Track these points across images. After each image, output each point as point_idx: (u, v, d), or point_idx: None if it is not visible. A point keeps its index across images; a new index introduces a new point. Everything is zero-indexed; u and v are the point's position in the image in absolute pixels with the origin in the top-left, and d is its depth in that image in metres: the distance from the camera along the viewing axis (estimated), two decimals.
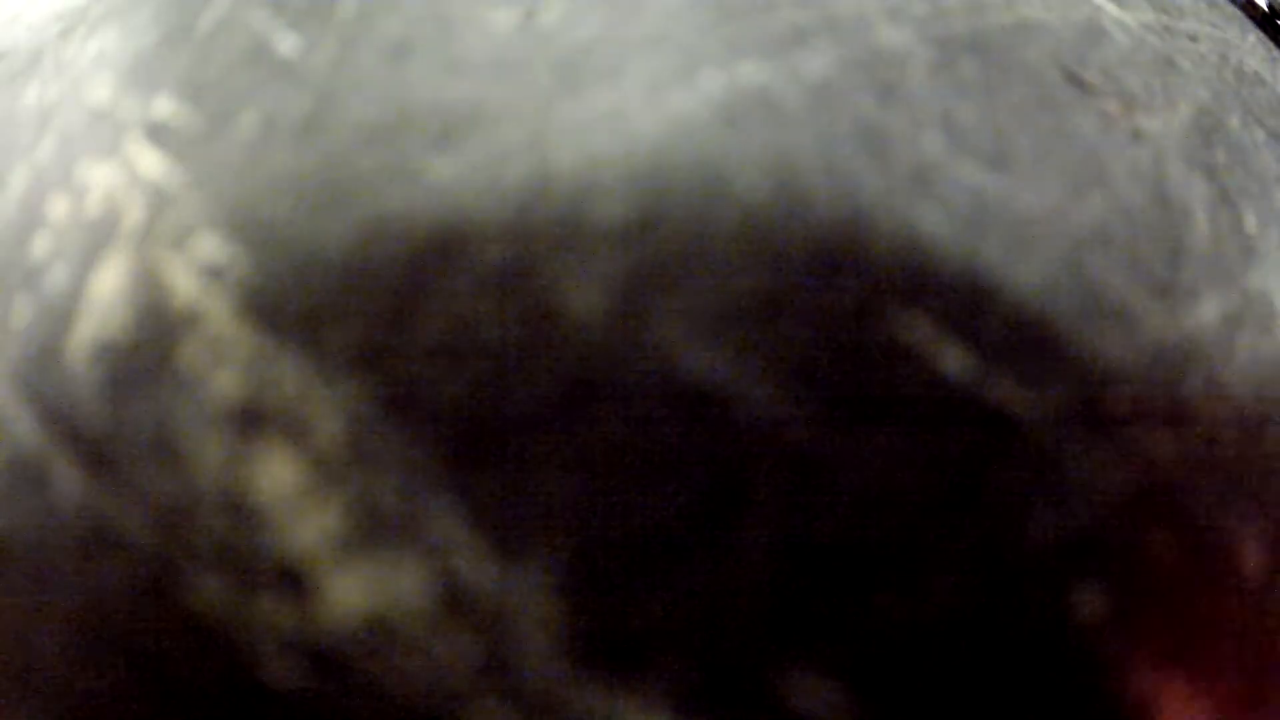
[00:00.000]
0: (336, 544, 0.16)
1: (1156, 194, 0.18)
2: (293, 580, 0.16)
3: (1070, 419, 0.17)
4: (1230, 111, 0.20)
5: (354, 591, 0.16)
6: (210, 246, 0.17)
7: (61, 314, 0.17)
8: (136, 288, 0.17)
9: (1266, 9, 0.23)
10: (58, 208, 0.18)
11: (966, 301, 0.16)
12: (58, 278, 0.17)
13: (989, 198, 0.17)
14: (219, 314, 0.17)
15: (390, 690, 0.16)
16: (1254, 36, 0.22)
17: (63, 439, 0.17)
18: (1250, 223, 0.19)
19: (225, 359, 0.16)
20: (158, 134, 0.18)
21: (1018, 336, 0.17)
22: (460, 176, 0.17)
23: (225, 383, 0.16)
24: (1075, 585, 0.16)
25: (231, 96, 0.18)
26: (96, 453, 0.17)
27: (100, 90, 0.18)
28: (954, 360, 0.16)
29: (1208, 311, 0.18)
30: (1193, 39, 0.20)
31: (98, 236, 0.17)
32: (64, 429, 0.17)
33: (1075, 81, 0.18)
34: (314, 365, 0.16)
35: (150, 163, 0.18)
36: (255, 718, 0.16)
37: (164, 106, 0.18)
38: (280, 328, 0.16)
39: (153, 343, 0.17)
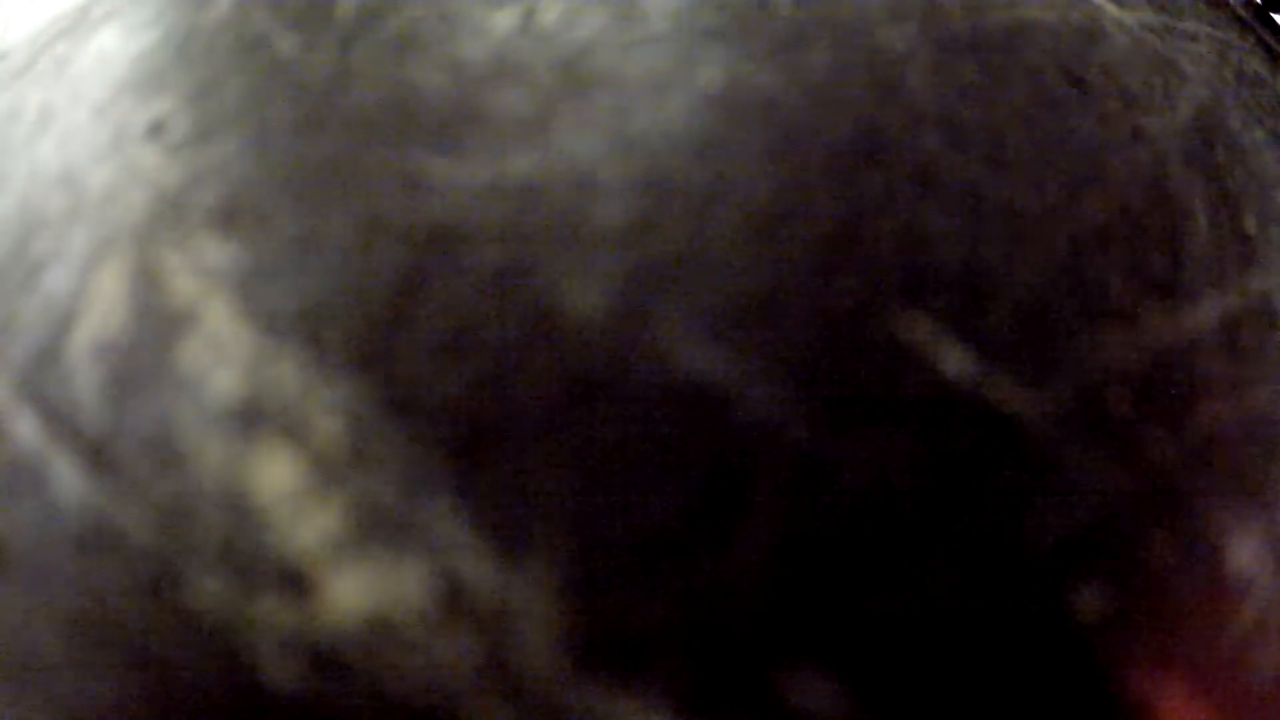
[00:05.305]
0: (337, 544, 0.16)
1: (1156, 194, 0.18)
2: (293, 580, 0.16)
3: (1070, 419, 0.17)
4: (1230, 111, 0.20)
5: (354, 591, 0.16)
6: (210, 246, 0.17)
7: (61, 314, 0.17)
8: (136, 287, 0.17)
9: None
10: (58, 207, 0.18)
11: (966, 301, 0.16)
12: (58, 278, 0.17)
13: (989, 198, 0.17)
14: (219, 314, 0.17)
15: (390, 690, 0.16)
16: (1254, 36, 0.22)
17: (63, 439, 0.17)
18: (1250, 223, 0.19)
19: (225, 359, 0.16)
20: (158, 133, 0.18)
21: (1018, 336, 0.17)
22: (460, 176, 0.17)
23: (225, 383, 0.16)
24: (1075, 585, 0.16)
25: (231, 96, 0.18)
26: (96, 453, 0.17)
27: (100, 90, 0.18)
28: (954, 360, 0.16)
29: (1208, 311, 0.18)
30: (1193, 39, 0.20)
31: (97, 236, 0.17)
32: (64, 429, 0.17)
33: (1075, 81, 0.18)
34: (314, 365, 0.16)
35: (150, 162, 0.18)
36: (255, 718, 0.16)
37: (164, 106, 0.18)
38: (280, 327, 0.16)
39: (153, 343, 0.17)
